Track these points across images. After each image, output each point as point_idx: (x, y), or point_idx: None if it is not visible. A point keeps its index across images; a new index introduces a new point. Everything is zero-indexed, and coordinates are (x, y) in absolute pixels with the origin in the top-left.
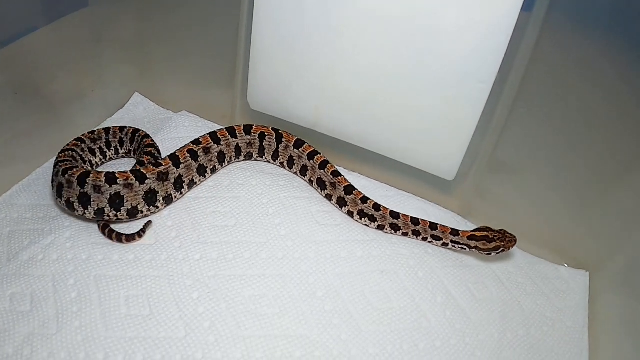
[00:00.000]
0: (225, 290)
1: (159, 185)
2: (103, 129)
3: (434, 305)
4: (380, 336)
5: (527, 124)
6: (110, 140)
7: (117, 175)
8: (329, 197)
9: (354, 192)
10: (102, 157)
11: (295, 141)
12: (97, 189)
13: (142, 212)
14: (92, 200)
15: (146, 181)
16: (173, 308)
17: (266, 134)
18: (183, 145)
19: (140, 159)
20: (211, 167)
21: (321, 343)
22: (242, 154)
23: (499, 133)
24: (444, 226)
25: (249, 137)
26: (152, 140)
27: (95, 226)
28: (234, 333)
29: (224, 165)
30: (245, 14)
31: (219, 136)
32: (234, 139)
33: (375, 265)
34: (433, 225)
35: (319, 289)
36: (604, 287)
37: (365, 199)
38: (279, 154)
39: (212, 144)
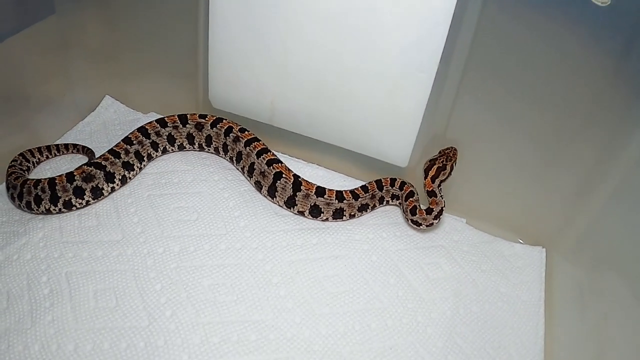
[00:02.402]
0: (186, 281)
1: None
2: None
3: (386, 287)
4: (333, 318)
5: (474, 107)
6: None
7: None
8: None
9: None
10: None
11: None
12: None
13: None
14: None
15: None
16: (137, 299)
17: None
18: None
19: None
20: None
21: (275, 326)
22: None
23: (447, 118)
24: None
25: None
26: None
27: (67, 225)
28: (193, 320)
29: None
30: (202, 21)
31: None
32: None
33: (329, 251)
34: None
35: (275, 275)
36: (560, 261)
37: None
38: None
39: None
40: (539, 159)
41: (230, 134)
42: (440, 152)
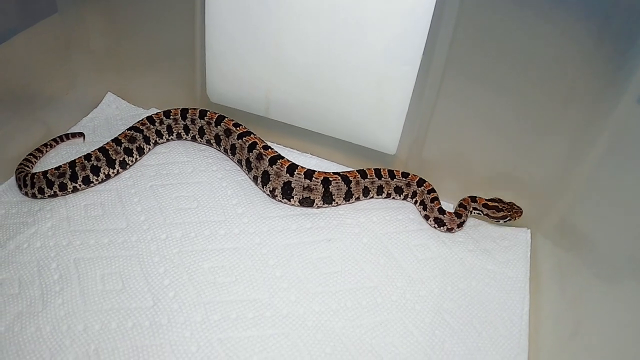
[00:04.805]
0: (188, 264)
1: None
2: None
3: (376, 267)
4: (326, 296)
5: (459, 95)
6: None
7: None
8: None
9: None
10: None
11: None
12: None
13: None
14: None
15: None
16: (142, 282)
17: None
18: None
19: None
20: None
21: (272, 305)
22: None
23: (432, 106)
24: (465, 198)
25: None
26: None
27: (74, 216)
28: (194, 300)
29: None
30: (199, 19)
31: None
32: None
33: (322, 234)
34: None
35: (271, 258)
36: (543, 242)
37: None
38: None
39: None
40: (523, 148)
41: (254, 150)
42: (510, 202)
